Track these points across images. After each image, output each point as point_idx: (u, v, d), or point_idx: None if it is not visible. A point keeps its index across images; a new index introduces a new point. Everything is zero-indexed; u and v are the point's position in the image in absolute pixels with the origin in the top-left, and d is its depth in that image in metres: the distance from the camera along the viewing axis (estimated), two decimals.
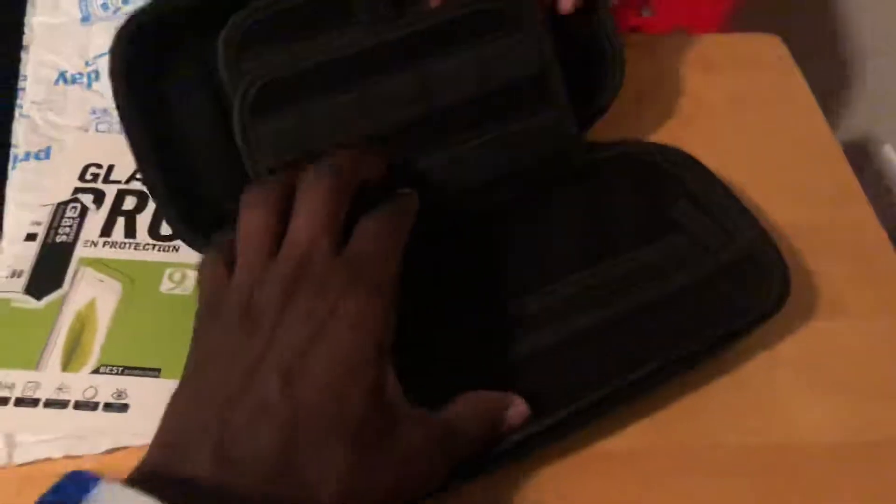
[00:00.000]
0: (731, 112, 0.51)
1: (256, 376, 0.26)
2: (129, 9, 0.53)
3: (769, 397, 0.38)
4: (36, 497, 0.33)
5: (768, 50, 0.56)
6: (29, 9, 0.53)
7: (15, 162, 0.46)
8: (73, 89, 0.50)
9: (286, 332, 0.27)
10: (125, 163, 0.45)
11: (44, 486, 0.34)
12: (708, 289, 0.39)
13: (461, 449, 0.30)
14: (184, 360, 0.37)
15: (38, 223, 0.42)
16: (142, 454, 0.35)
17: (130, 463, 0.35)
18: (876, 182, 0.82)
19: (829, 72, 0.86)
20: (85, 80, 0.51)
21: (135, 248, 0.42)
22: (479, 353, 0.36)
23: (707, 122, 0.51)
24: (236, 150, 0.35)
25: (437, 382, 0.32)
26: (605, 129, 0.46)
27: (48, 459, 0.35)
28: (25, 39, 0.52)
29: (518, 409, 0.32)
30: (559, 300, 0.38)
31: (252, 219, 0.30)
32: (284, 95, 0.36)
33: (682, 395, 0.38)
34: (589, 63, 0.44)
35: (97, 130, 0.48)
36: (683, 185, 0.43)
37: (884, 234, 0.46)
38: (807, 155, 0.49)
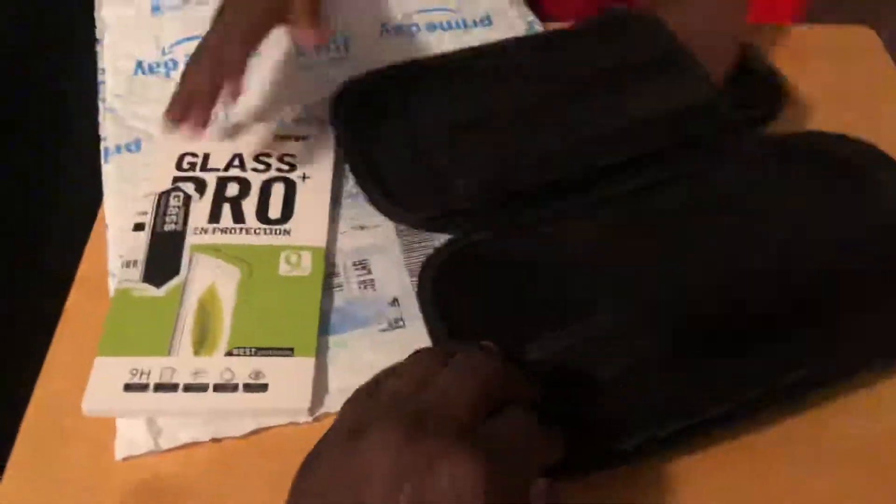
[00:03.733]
0: (827, 108, 0.55)
1: None
2: None
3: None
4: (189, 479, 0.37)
5: (861, 42, 0.60)
6: (97, 2, 0.58)
7: (107, 156, 0.50)
8: (153, 79, 0.54)
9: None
10: (220, 150, 0.50)
11: (194, 470, 0.38)
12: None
13: None
14: (314, 338, 0.42)
15: (144, 213, 0.46)
16: (285, 433, 0.39)
17: (275, 443, 0.39)
18: None
19: None
20: (163, 69, 0.55)
21: (246, 233, 0.46)
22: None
23: (802, 117, 0.54)
24: (418, 162, 0.49)
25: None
26: None
27: (195, 443, 0.39)
28: (98, 32, 0.56)
29: None
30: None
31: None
32: None
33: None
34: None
35: None
36: (878, 182, 0.47)
37: None
38: None
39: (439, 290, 0.43)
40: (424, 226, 0.47)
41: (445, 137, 0.49)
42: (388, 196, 0.47)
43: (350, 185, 0.49)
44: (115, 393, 0.39)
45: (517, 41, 0.56)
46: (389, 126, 0.51)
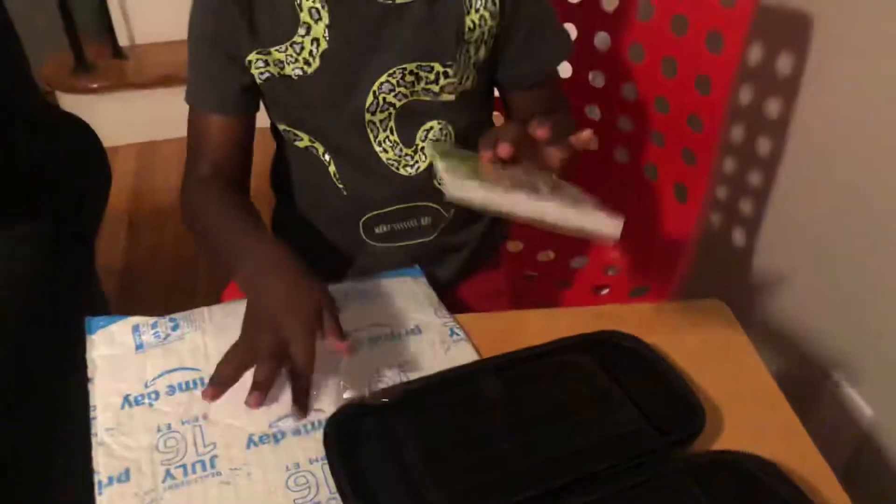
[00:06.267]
0: (691, 367, 0.72)
1: None
2: (178, 333, 0.72)
3: None
4: None
5: (715, 313, 0.79)
6: (88, 345, 0.71)
7: (101, 488, 0.60)
8: (138, 410, 0.66)
9: None
10: None
11: None
12: None
13: None
14: None
15: None
16: None
17: None
18: (831, 408, 1.06)
19: (780, 311, 1.15)
20: (147, 400, 0.67)
21: None
22: None
23: None
24: (399, 484, 0.60)
25: None
26: None
27: None
28: (89, 372, 0.69)
29: None
30: None
31: None
32: None
33: None
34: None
35: (166, 447, 0.64)
36: (775, 493, 0.59)
37: (825, 466, 0.64)
38: (755, 401, 0.71)
39: None
40: None
41: (425, 464, 0.61)
42: None
43: (312, 494, 0.61)
44: None
45: (475, 371, 0.70)
46: (376, 452, 0.62)
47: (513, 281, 1.06)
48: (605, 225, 0.59)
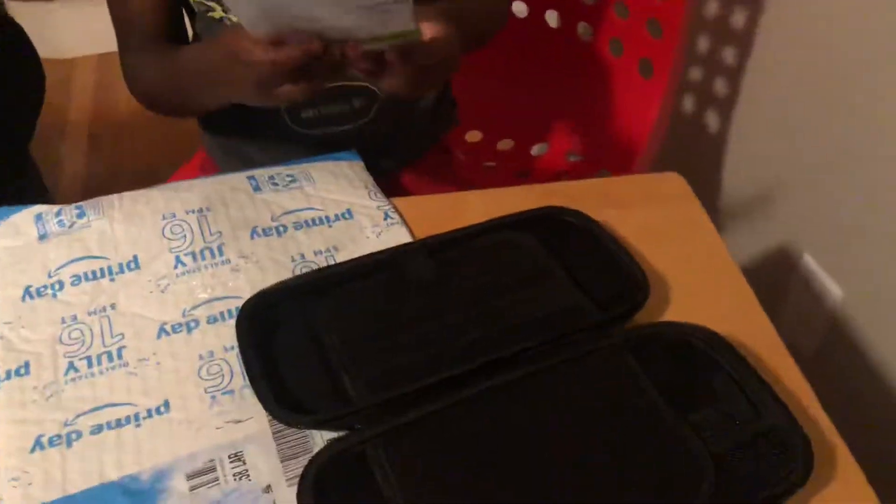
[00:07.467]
0: (643, 243, 0.67)
1: None
2: (84, 221, 0.67)
3: None
4: None
5: (671, 186, 0.74)
6: None
7: None
8: (41, 302, 0.62)
9: None
10: None
11: None
12: (735, 458, 0.50)
13: None
14: None
15: None
16: None
17: None
18: (802, 289, 1.02)
19: (749, 188, 1.09)
20: (50, 291, 0.63)
21: None
22: None
23: None
24: (316, 369, 0.57)
25: None
26: None
27: None
28: None
29: None
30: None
31: None
32: None
33: None
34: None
35: (70, 338, 0.60)
36: (718, 364, 0.56)
37: (779, 341, 0.61)
38: (708, 276, 0.66)
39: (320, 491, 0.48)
40: (316, 427, 0.53)
41: (343, 348, 0.57)
42: (282, 401, 0.53)
43: (225, 382, 0.57)
44: None
45: (406, 252, 0.65)
46: (293, 338, 0.58)
47: (470, 172, 1.00)
48: None
